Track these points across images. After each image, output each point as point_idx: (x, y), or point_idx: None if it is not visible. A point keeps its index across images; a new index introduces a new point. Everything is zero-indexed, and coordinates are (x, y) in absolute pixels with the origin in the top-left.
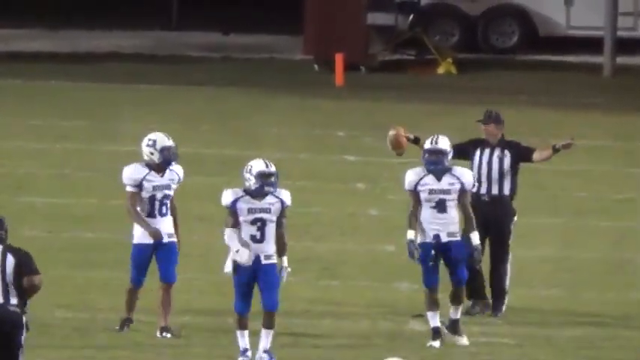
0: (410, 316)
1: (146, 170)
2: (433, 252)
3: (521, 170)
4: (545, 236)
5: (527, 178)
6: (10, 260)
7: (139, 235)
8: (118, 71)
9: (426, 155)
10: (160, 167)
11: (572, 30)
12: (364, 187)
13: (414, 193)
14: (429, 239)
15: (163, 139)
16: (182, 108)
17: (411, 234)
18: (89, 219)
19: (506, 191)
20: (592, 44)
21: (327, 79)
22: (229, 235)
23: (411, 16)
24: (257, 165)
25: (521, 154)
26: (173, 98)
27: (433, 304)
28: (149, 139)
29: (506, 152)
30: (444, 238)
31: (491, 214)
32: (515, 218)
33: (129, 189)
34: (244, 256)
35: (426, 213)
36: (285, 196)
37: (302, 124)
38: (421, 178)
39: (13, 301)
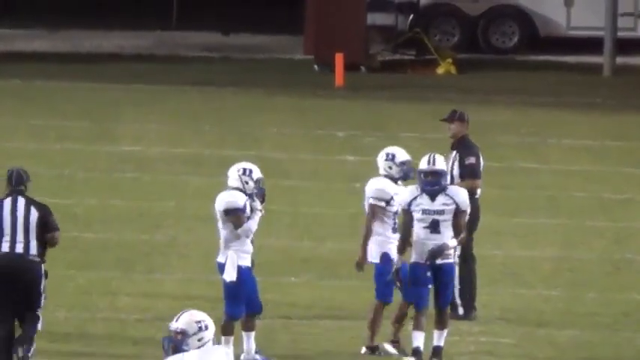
0: (410, 316)
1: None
2: (429, 274)
3: (519, 170)
4: (545, 236)
5: (527, 179)
6: (34, 214)
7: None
8: (118, 71)
9: (422, 176)
10: (396, 181)
11: (572, 30)
12: (363, 187)
13: (408, 212)
14: (423, 260)
15: (402, 154)
16: (182, 108)
17: (396, 260)
18: (89, 219)
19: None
20: (592, 45)
21: (327, 79)
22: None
23: (411, 17)
24: (256, 171)
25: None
26: (173, 98)
27: (401, 319)
28: (387, 153)
29: (456, 154)
30: (438, 260)
31: None
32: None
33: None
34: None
35: (420, 233)
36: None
37: (302, 124)
38: (415, 198)
39: (33, 251)
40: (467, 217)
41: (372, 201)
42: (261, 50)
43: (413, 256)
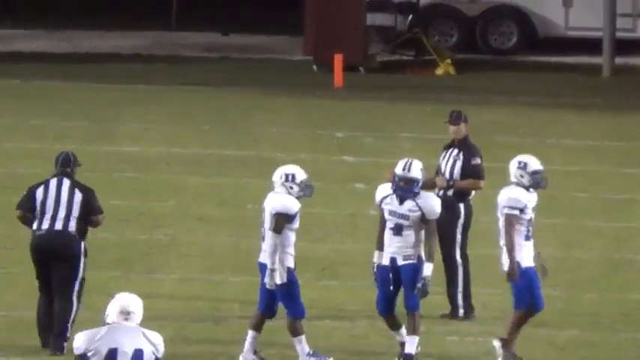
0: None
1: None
2: (391, 275)
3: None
4: (544, 236)
5: None
6: (78, 195)
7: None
8: (117, 71)
9: (396, 179)
10: (527, 189)
11: (570, 31)
12: (363, 187)
13: (380, 209)
14: (387, 262)
15: (535, 163)
16: (181, 108)
17: (375, 256)
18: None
19: (449, 192)
20: (591, 45)
21: (326, 79)
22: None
23: (410, 17)
24: (300, 173)
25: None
26: (172, 98)
27: (393, 326)
28: (519, 161)
29: (461, 155)
30: (400, 262)
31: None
32: (461, 220)
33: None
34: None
35: (386, 234)
36: None
37: (301, 124)
38: (386, 196)
39: (72, 228)
40: (435, 225)
41: (507, 211)
42: (261, 50)
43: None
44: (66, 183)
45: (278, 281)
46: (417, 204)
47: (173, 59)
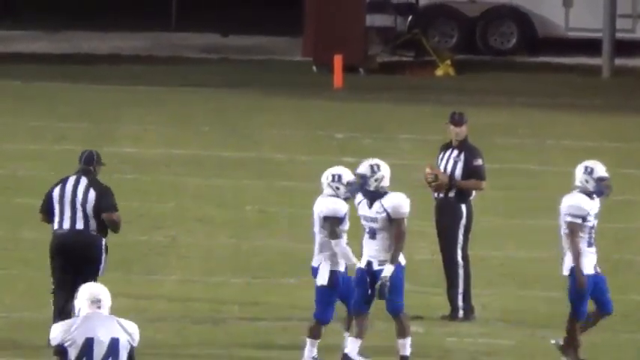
0: (409, 317)
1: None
2: (368, 279)
3: (519, 171)
4: (544, 237)
5: (526, 180)
6: (92, 194)
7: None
8: (117, 73)
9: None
10: (591, 195)
11: (570, 32)
12: None
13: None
14: (364, 265)
15: (601, 169)
16: (181, 109)
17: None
18: None
19: (451, 193)
20: (590, 46)
21: (326, 80)
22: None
23: (410, 18)
24: (347, 174)
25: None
26: (172, 99)
27: (359, 331)
28: (586, 167)
29: (462, 156)
30: (375, 266)
31: (437, 217)
32: (463, 221)
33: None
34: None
35: (364, 238)
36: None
37: (301, 125)
38: (360, 202)
39: (92, 227)
40: (403, 226)
41: (569, 219)
42: (260, 51)
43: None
44: (83, 181)
45: (319, 282)
46: (382, 205)
47: (173, 60)
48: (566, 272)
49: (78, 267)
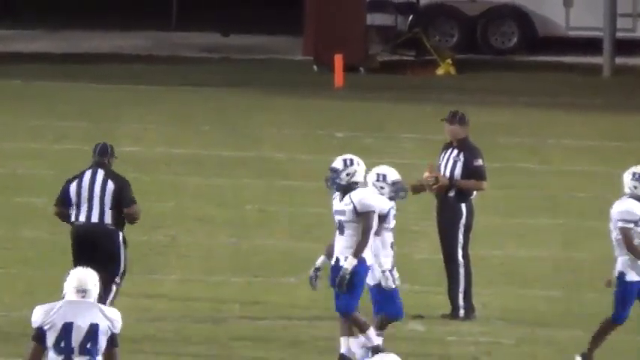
0: (410, 316)
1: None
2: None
3: (519, 170)
4: (544, 237)
5: (527, 179)
6: (111, 186)
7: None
8: (117, 72)
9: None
10: None
11: (571, 31)
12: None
13: None
14: (333, 262)
15: None
16: (181, 109)
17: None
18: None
19: (452, 193)
20: (591, 45)
21: (327, 79)
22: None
23: (411, 17)
24: (391, 174)
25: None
26: (172, 99)
27: (344, 330)
28: (634, 173)
29: (461, 156)
30: (342, 262)
31: (438, 216)
32: (463, 221)
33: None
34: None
35: (335, 235)
36: None
37: (301, 124)
38: (334, 199)
39: (108, 220)
40: (369, 221)
41: (621, 224)
42: (261, 51)
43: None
44: (100, 173)
45: (391, 283)
46: (350, 198)
47: (173, 60)
48: (615, 276)
49: (95, 259)
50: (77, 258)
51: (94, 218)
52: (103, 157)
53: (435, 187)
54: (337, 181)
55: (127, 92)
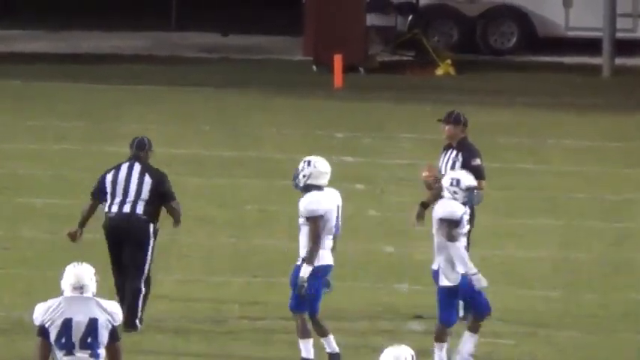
0: (409, 316)
1: None
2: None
3: (518, 171)
4: (544, 237)
5: (526, 180)
6: (148, 180)
7: None
8: (117, 72)
9: None
10: None
11: (570, 31)
12: (363, 187)
13: None
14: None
15: None
16: (181, 109)
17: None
18: (89, 219)
19: None
20: (591, 45)
21: (326, 80)
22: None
23: (410, 17)
24: (465, 179)
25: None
26: (172, 99)
27: (304, 332)
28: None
29: (460, 156)
30: (299, 262)
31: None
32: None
33: None
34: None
35: None
36: None
37: (301, 125)
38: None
39: (140, 211)
40: (314, 225)
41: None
42: (260, 51)
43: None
44: (137, 167)
45: (484, 283)
46: (300, 201)
47: (173, 60)
48: None
49: (125, 249)
50: (110, 246)
51: (127, 209)
52: (140, 150)
53: (436, 185)
54: (296, 181)
55: (126, 92)
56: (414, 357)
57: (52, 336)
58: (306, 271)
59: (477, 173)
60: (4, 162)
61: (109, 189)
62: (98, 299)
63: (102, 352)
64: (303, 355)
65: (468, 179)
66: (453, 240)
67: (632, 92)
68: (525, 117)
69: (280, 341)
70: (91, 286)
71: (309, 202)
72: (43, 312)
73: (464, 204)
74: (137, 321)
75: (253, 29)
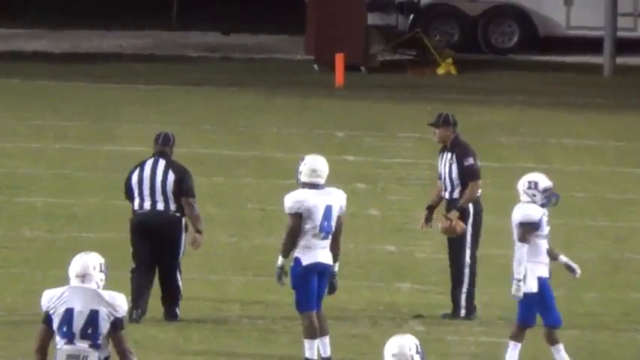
0: (410, 316)
1: None
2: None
3: (519, 170)
4: None
5: None
6: (172, 176)
7: None
8: (118, 71)
9: None
10: None
11: (572, 30)
12: (364, 187)
13: None
14: None
15: None
16: (182, 108)
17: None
18: (89, 219)
19: (456, 194)
20: (592, 44)
21: (327, 79)
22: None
23: (411, 17)
24: (543, 180)
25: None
26: (173, 98)
27: (310, 332)
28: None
29: (454, 157)
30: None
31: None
32: (471, 220)
33: None
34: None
35: None
36: None
37: (302, 124)
38: None
39: (172, 208)
40: (290, 221)
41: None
42: (262, 50)
43: None
44: (161, 163)
45: (521, 293)
46: None
47: (174, 59)
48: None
49: (157, 246)
50: (138, 243)
51: (160, 207)
52: (165, 146)
53: (459, 230)
54: (296, 179)
55: (127, 91)
56: (419, 347)
57: (55, 324)
58: (280, 260)
59: (470, 173)
60: (4, 161)
61: (135, 188)
62: (101, 291)
63: (104, 342)
64: (307, 355)
65: (544, 181)
66: (522, 241)
67: (633, 91)
68: (526, 116)
69: (281, 341)
70: (96, 276)
71: (286, 198)
72: (48, 299)
73: (542, 205)
74: (177, 310)
75: (255, 28)
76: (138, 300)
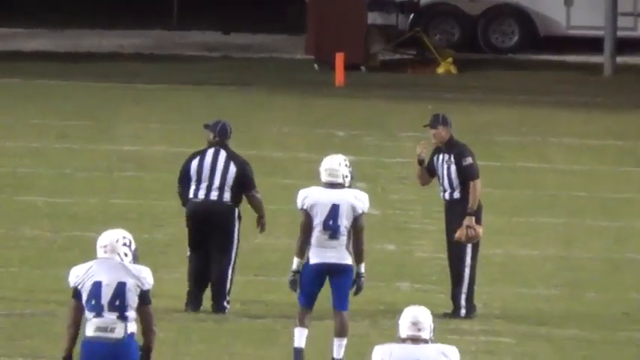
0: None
1: None
2: None
3: (520, 169)
4: (545, 235)
5: (527, 178)
6: (232, 169)
7: None
8: (118, 70)
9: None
10: None
11: (572, 30)
12: (364, 186)
13: None
14: None
15: None
16: (182, 107)
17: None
18: (89, 219)
19: (456, 195)
20: (592, 44)
21: (328, 78)
22: None
23: (412, 16)
24: None
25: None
26: (173, 97)
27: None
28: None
29: (452, 158)
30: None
31: (447, 218)
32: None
33: None
34: None
35: None
36: None
37: (302, 123)
38: None
39: (227, 198)
40: (302, 218)
41: None
42: (262, 49)
43: None
44: (222, 154)
45: None
46: None
47: (174, 58)
48: None
49: (211, 235)
50: (193, 232)
51: (213, 196)
52: (223, 137)
53: (481, 233)
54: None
55: (128, 91)
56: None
57: (83, 298)
58: (294, 264)
59: (470, 172)
60: (5, 160)
61: (194, 175)
62: (127, 264)
63: (131, 314)
64: (295, 344)
65: None
66: None
67: (634, 91)
68: (526, 115)
69: (281, 341)
70: (121, 250)
71: (297, 195)
72: (75, 275)
73: None
74: (225, 303)
75: (255, 28)
76: (194, 290)
